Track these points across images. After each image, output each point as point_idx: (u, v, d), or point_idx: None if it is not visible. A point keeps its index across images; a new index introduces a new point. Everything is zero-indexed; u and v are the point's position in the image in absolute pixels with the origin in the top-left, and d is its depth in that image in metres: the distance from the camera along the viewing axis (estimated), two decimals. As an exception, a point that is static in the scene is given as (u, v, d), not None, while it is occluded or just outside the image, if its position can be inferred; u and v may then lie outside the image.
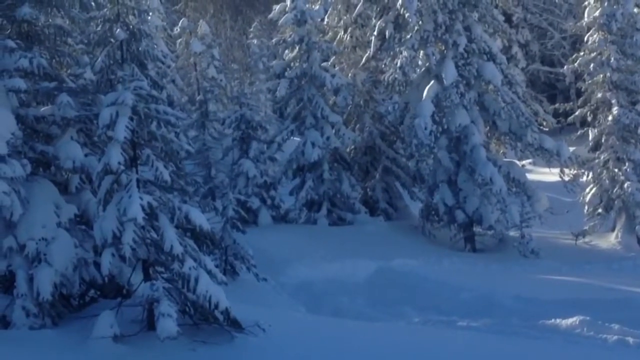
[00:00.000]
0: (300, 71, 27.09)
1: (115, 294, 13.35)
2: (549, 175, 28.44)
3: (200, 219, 12.37)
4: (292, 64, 27.46)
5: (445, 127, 24.98)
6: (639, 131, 26.18)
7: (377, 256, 21.87)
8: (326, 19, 29.41)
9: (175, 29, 36.56)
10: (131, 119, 12.00)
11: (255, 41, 41.96)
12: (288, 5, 27.53)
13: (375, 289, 19.71)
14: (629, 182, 25.58)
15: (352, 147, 28.18)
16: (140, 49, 21.60)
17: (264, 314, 13.13)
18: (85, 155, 13.66)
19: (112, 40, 21.70)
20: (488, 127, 26.07)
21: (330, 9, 29.58)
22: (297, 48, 27.20)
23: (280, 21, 27.81)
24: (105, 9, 21.18)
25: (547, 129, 27.16)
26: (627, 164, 25.95)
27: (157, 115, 12.27)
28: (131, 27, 21.64)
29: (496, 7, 28.69)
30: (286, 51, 27.90)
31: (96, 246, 12.42)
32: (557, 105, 33.23)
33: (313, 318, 15.54)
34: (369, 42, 27.16)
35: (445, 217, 25.38)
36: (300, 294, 18.89)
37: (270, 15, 29.54)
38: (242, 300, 14.03)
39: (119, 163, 11.83)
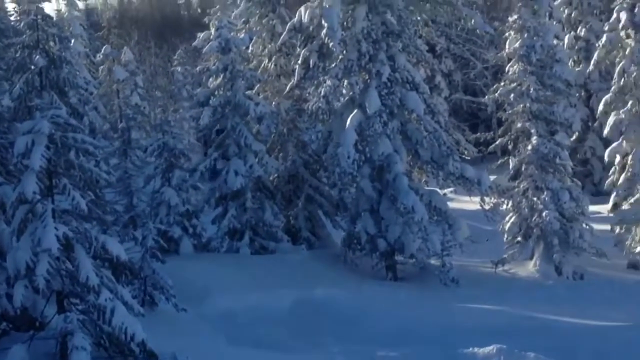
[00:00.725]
0: (224, 99, 27.04)
1: (28, 327, 13.09)
2: (470, 203, 28.73)
3: (118, 249, 12.27)
4: (216, 92, 27.41)
5: (368, 155, 25.12)
6: (557, 161, 26.61)
7: (299, 285, 21.84)
8: (251, 47, 29.44)
9: (98, 56, 36.23)
10: (47, 147, 11.88)
11: (179, 68, 41.81)
12: (212, 33, 27.51)
13: (296, 319, 19.65)
14: (547, 211, 25.95)
15: (275, 175, 28.16)
16: (60, 76, 21.29)
17: (183, 345, 13.02)
18: (0, 185, 13.43)
19: (31, 67, 21.40)
20: (410, 156, 26.26)
21: (254, 38, 29.62)
22: (222, 76, 27.16)
23: (205, 49, 27.75)
24: (25, 35, 20.86)
25: (468, 158, 27.45)
26: (545, 192, 26.35)
27: (75, 144, 12.16)
28: (51, 53, 21.36)
29: (420, 37, 29.06)
30: (210, 79, 27.83)
31: (9, 278, 12.19)
32: (478, 134, 33.78)
33: (233, 349, 15.46)
34: (293, 70, 27.21)
35: (367, 245, 25.45)
36: (221, 324, 18.73)
37: (195, 43, 29.53)
38: (160, 331, 13.89)
39: (34, 192, 11.69)
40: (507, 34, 30.57)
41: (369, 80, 25.54)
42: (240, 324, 18.93)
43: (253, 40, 29.68)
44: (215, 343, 16.56)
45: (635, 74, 28.20)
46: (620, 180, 28.39)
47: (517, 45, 27.74)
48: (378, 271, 25.50)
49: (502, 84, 28.60)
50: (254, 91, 28.35)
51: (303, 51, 26.29)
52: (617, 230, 28.20)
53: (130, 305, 12.04)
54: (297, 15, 26.39)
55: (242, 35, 28.92)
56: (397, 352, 15.86)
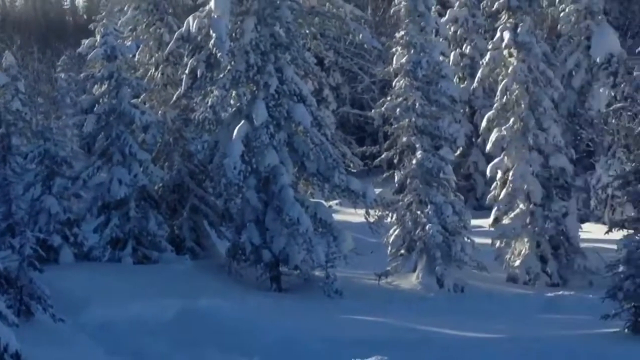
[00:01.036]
0: (109, 107, 26.64)
1: None
2: (355, 216, 28.95)
3: (-7, 257, 11.90)
4: (100, 99, 26.97)
5: (255, 167, 25.09)
6: (441, 175, 27.02)
7: (182, 295, 21.62)
8: (137, 56, 29.07)
9: (-21, 60, 35.27)
10: None
11: (63, 75, 41.05)
12: (98, 40, 27.07)
13: (179, 329, 19.44)
14: (430, 224, 26.30)
15: (160, 184, 27.84)
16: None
17: (59, 355, 12.74)
18: None
19: None
20: (297, 168, 26.32)
21: (141, 46, 29.27)
22: (107, 83, 26.74)
23: (90, 56, 27.32)
24: None
25: (354, 171, 27.63)
26: (429, 206, 26.71)
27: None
28: None
29: (308, 50, 29.17)
30: (95, 86, 27.36)
31: None
32: (365, 147, 34.06)
33: (111, 360, 15.21)
34: (181, 80, 26.98)
35: (252, 256, 25.38)
36: (100, 335, 18.39)
37: (80, 49, 29.01)
38: (36, 342, 13.58)
39: None
40: (394, 50, 30.90)
41: (256, 92, 25.54)
42: (120, 335, 18.61)
43: (140, 49, 29.33)
44: (93, 354, 16.26)
45: (517, 92, 28.85)
46: (502, 196, 28.98)
47: (403, 60, 28.09)
48: (262, 282, 25.45)
49: (388, 98, 28.91)
50: (139, 100, 28.00)
51: (190, 61, 26.11)
52: (498, 244, 28.79)
53: (4, 315, 11.71)
54: (185, 24, 26.21)
55: (129, 43, 28.57)
56: (279, 364, 15.87)
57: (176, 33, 26.93)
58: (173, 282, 23.31)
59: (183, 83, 26.50)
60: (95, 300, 20.37)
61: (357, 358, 16.09)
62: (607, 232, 19.53)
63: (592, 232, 31.56)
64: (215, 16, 24.84)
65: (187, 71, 26.19)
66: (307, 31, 28.73)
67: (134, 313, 19.98)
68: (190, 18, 25.98)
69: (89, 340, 17.71)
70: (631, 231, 18.77)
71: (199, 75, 25.93)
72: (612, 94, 36.78)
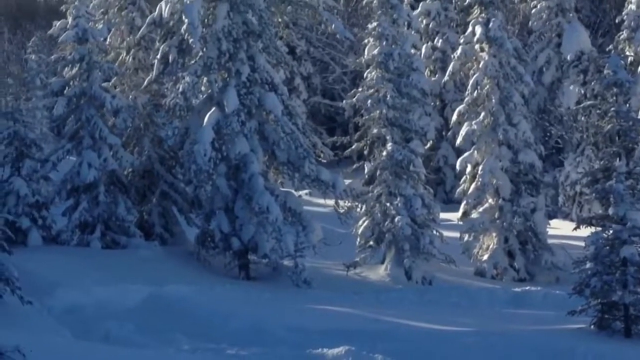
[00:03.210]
0: (80, 90, 26.44)
1: None
2: (325, 206, 28.98)
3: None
4: (71, 82, 26.76)
5: (225, 154, 25.04)
6: (411, 168, 27.10)
7: (150, 281, 21.53)
8: (109, 39, 28.86)
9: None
10: None
11: (33, 56, 40.66)
12: (70, 22, 26.85)
13: (146, 315, 19.36)
14: (399, 217, 26.38)
15: (130, 169, 27.70)
16: None
17: (26, 338, 12.65)
18: None
19: None
20: (267, 157, 26.31)
21: (113, 29, 29.05)
22: (77, 66, 26.55)
23: (61, 38, 27.09)
24: None
25: (324, 161, 27.63)
26: (398, 198, 26.79)
27: None
28: None
29: (280, 38, 29.19)
30: (66, 69, 27.14)
31: None
32: (335, 138, 34.12)
33: (78, 344, 15.13)
34: (152, 65, 26.84)
35: (221, 244, 25.33)
36: (67, 319, 18.29)
37: (51, 31, 28.73)
38: (3, 324, 13.48)
39: None
40: (366, 41, 30.98)
41: (228, 79, 25.48)
42: (87, 319, 18.53)
43: (111, 32, 29.11)
44: (61, 337, 16.16)
45: (487, 86, 29.01)
46: (471, 190, 29.13)
47: (375, 52, 28.15)
48: (231, 270, 25.43)
49: (359, 89, 28.98)
50: (110, 84, 27.81)
51: (162, 46, 26.01)
52: (466, 238, 28.95)
53: (-27, 296, 11.61)
54: (157, 9, 26.14)
55: (100, 26, 28.34)
56: (247, 352, 15.84)
57: (148, 17, 26.83)
58: (141, 268, 23.21)
59: (154, 68, 26.39)
60: (63, 284, 20.24)
61: (325, 347, 16.14)
62: (575, 229, 19.67)
63: (560, 228, 31.84)
64: (188, 2, 24.78)
65: (158, 56, 26.08)
66: (280, 20, 28.71)
67: (101, 297, 19.89)
68: (163, 3, 25.90)
69: (56, 324, 17.59)
70: (599, 228, 18.89)
71: (170, 61, 25.84)
72: (582, 91, 37.10)
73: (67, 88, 26.77)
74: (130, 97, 27.93)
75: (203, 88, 26.04)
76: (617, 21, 37.67)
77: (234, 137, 25.00)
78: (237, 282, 24.57)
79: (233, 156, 25.08)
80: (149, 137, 28.19)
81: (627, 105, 20.06)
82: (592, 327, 18.63)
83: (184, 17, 24.80)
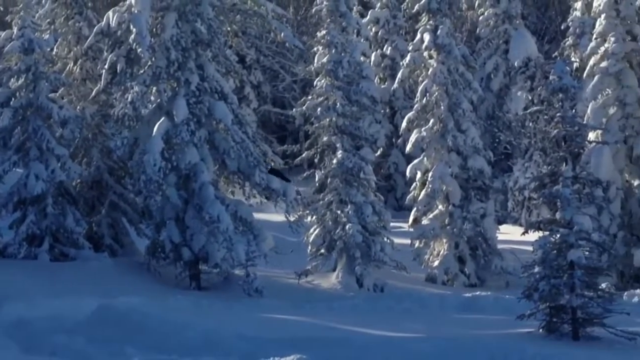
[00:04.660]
0: (26, 101, 26.15)
1: None
2: (275, 215, 28.95)
3: None
4: (17, 93, 26.47)
5: (175, 164, 24.93)
6: (362, 175, 27.17)
7: (99, 293, 21.35)
8: (55, 49, 28.58)
9: None
10: None
11: (-21, 67, 40.12)
12: (15, 33, 26.57)
13: (96, 328, 19.13)
14: (350, 224, 26.44)
15: (79, 181, 27.47)
16: None
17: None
18: None
19: None
20: (217, 166, 26.24)
21: (60, 39, 28.78)
22: (24, 77, 26.27)
23: (6, 48, 26.76)
24: None
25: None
26: (349, 206, 26.84)
27: None
28: None
29: (230, 47, 29.13)
30: (12, 79, 26.86)
31: None
32: (286, 146, 34.11)
33: (26, 358, 14.95)
34: (100, 75, 26.65)
35: (172, 254, 25.19)
36: (15, 333, 18.01)
37: (-4, 42, 28.39)
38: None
39: None
40: (315, 49, 31.06)
41: (177, 88, 25.39)
42: (36, 333, 18.28)
43: (58, 42, 28.82)
44: (7, 351, 15.96)
45: (436, 93, 29.23)
46: (421, 196, 29.30)
47: (324, 60, 28.23)
48: (182, 280, 25.29)
49: (309, 97, 29.03)
50: (57, 94, 27.54)
51: (110, 56, 25.83)
52: (417, 244, 29.11)
53: None
54: (104, 19, 25.93)
55: (47, 36, 28.09)
56: (198, 362, 15.78)
57: (96, 27, 26.58)
58: (91, 280, 23.03)
59: (102, 78, 26.20)
60: (10, 298, 19.99)
61: (276, 356, 16.11)
62: (523, 234, 19.83)
63: (509, 233, 32.11)
64: (136, 11, 24.67)
65: (106, 66, 25.88)
66: (229, 28, 28.66)
67: (50, 311, 19.64)
68: (110, 12, 25.72)
69: (4, 338, 17.35)
70: (546, 233, 19.09)
71: (118, 71, 25.65)
72: (530, 97, 37.52)
73: (12, 99, 26.47)
74: (78, 107, 27.68)
75: (152, 98, 25.91)
76: (562, 28, 38.10)
77: (184, 147, 24.92)
78: (188, 292, 24.44)
79: (183, 166, 24.98)
80: (98, 147, 27.96)
81: (574, 110, 20.29)
82: (540, 330, 18.81)
83: (131, 27, 24.67)
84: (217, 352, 17.03)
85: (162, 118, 25.00)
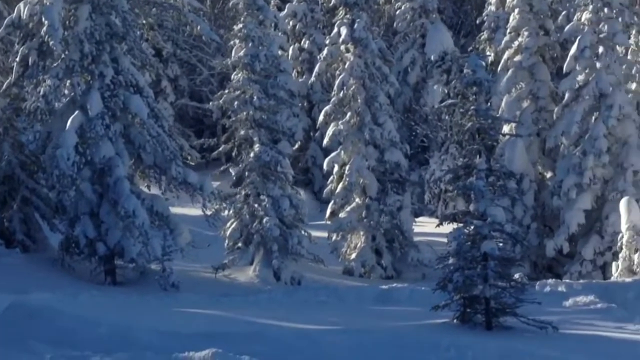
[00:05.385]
0: (-64, 94, 25.62)
1: None
2: (193, 209, 28.72)
3: None
4: None
5: (89, 158, 24.65)
6: (279, 168, 27.16)
7: (11, 290, 20.90)
8: (-35, 42, 27.98)
9: None
10: None
11: None
12: None
13: (7, 325, 18.74)
14: (267, 218, 26.45)
15: (-11, 175, 26.97)
16: None
17: None
18: None
19: None
20: (133, 160, 25.97)
21: (-30, 32, 28.19)
22: None
23: None
24: None
25: (192, 164, 27.48)
26: (266, 199, 26.84)
27: None
28: None
29: (146, 40, 28.88)
30: None
31: None
32: (203, 140, 33.92)
33: None
34: (11, 68, 26.18)
35: (86, 249, 24.90)
36: None
37: None
38: None
39: None
40: (232, 42, 30.93)
41: (91, 82, 25.09)
42: (-56, 332, 17.88)
43: (-32, 35, 28.24)
44: None
45: (353, 87, 29.39)
46: (338, 189, 29.44)
47: (242, 53, 28.18)
48: (97, 276, 25.01)
49: (226, 91, 28.90)
50: (-32, 88, 27.02)
51: (22, 48, 25.42)
52: (334, 237, 29.23)
53: None
54: (15, 10, 25.51)
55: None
56: (112, 358, 15.55)
57: (6, 19, 26.12)
58: (2, 277, 22.66)
59: (14, 71, 25.79)
60: None
61: (192, 351, 15.99)
62: (437, 226, 19.98)
63: (426, 225, 32.40)
64: (48, 3, 24.31)
65: (17, 59, 25.48)
66: (144, 21, 28.46)
67: (-42, 309, 19.22)
68: (21, 4, 25.31)
69: None
70: (461, 224, 19.27)
71: (30, 64, 25.26)
72: (446, 90, 37.86)
73: None
74: (-11, 101, 27.15)
75: (66, 91, 25.53)
76: (478, 22, 38.57)
77: (99, 141, 24.62)
78: (103, 288, 24.18)
79: (98, 160, 24.69)
80: (9, 142, 27.42)
81: (488, 103, 20.56)
82: (455, 321, 18.99)
83: (43, 19, 24.30)
84: (131, 347, 16.81)
85: (76, 112, 24.66)
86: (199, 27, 28.26)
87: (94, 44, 24.93)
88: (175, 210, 28.07)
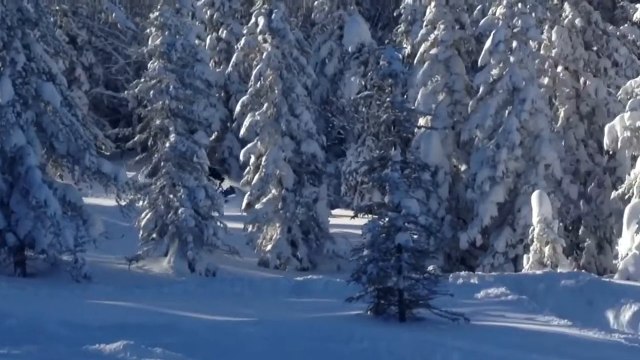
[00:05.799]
0: None
1: None
2: (106, 199, 28.39)
3: None
4: None
5: (0, 147, 24.12)
6: (195, 159, 26.93)
7: None
8: None
9: None
10: None
11: None
12: None
13: None
14: (183, 208, 26.20)
15: None
16: None
17: None
18: None
19: None
20: (45, 149, 25.52)
21: None
22: None
23: None
24: None
25: (107, 153, 27.08)
26: (182, 190, 26.58)
27: None
28: None
29: (59, 27, 28.39)
30: None
31: None
32: (118, 129, 33.48)
33: None
34: None
35: (-4, 240, 24.42)
36: None
37: None
38: None
39: None
40: (148, 31, 30.58)
41: (2, 68, 24.52)
42: None
43: None
44: None
45: (271, 77, 29.32)
46: (255, 180, 29.34)
47: (158, 42, 27.86)
48: (6, 267, 24.49)
49: (142, 80, 28.55)
50: None
51: None
52: (250, 229, 29.15)
53: None
54: None
55: None
56: (20, 350, 15.24)
57: None
58: None
59: None
60: None
61: (103, 343, 15.79)
62: (352, 217, 20.06)
63: (341, 217, 32.51)
64: (-45, -14, 23.71)
65: None
66: (58, 8, 27.93)
67: None
68: None
69: None
70: (376, 216, 19.36)
71: (-62, 49, 24.63)
72: (363, 82, 38.04)
73: None
74: None
75: (-24, 78, 24.94)
76: (395, 14, 38.78)
77: (9, 129, 24.10)
78: (12, 279, 23.71)
79: (8, 149, 24.18)
80: None
81: (405, 96, 20.67)
82: (369, 312, 19.10)
83: (-50, 4, 23.72)
84: (40, 339, 16.50)
85: (-13, 99, 24.11)
86: (114, 15, 28.01)
87: (5, 30, 24.38)
88: (88, 200, 27.72)
